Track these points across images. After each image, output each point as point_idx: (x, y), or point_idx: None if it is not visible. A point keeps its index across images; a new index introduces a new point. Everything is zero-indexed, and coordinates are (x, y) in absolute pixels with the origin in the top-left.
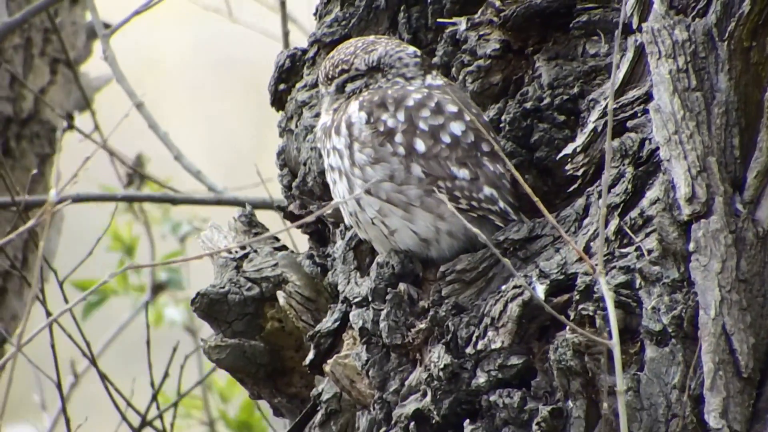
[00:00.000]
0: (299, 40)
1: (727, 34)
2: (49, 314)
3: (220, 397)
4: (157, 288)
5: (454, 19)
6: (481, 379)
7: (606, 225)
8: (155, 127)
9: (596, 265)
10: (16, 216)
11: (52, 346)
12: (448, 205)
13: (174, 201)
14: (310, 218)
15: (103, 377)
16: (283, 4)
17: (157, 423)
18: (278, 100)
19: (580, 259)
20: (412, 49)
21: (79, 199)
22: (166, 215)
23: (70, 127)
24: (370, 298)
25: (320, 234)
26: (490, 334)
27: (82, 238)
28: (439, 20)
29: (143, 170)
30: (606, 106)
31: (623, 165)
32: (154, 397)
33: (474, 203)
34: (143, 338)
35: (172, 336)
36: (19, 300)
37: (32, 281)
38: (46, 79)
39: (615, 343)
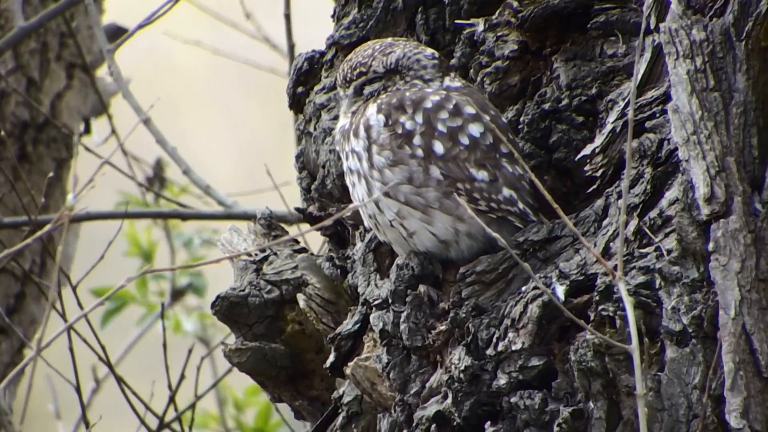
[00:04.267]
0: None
1: (744, 34)
2: (66, 320)
3: (235, 407)
4: (177, 294)
5: (472, 21)
6: (502, 380)
7: (625, 225)
8: (163, 142)
9: (615, 268)
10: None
11: (71, 349)
12: (466, 208)
13: (183, 216)
14: (329, 221)
15: (120, 381)
16: (287, 17)
17: (175, 425)
18: (296, 103)
19: None
20: (429, 51)
21: (88, 217)
22: (176, 228)
23: (87, 132)
24: (390, 300)
25: (339, 236)
26: (510, 335)
27: (99, 241)
28: (456, 21)
29: (163, 175)
30: (624, 106)
31: (642, 165)
32: (172, 399)
33: (493, 205)
34: (158, 343)
35: (186, 346)
36: (37, 305)
37: (50, 286)
38: (63, 84)
39: (635, 348)
